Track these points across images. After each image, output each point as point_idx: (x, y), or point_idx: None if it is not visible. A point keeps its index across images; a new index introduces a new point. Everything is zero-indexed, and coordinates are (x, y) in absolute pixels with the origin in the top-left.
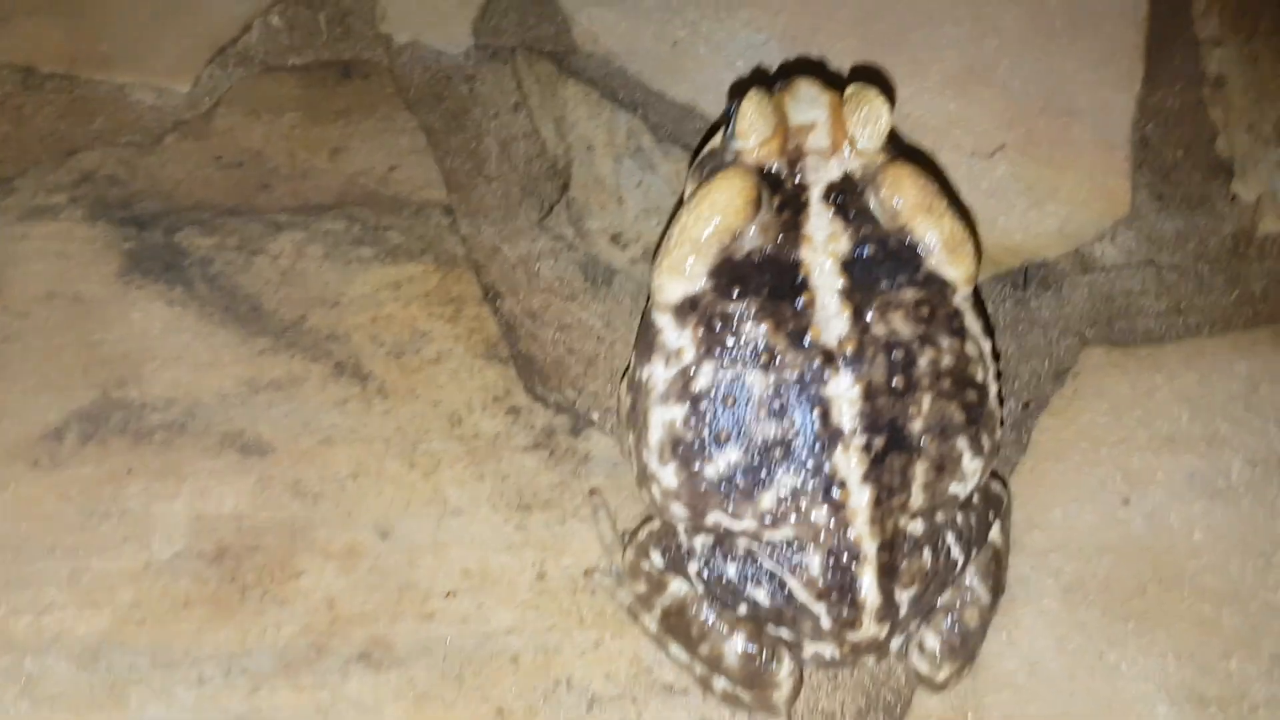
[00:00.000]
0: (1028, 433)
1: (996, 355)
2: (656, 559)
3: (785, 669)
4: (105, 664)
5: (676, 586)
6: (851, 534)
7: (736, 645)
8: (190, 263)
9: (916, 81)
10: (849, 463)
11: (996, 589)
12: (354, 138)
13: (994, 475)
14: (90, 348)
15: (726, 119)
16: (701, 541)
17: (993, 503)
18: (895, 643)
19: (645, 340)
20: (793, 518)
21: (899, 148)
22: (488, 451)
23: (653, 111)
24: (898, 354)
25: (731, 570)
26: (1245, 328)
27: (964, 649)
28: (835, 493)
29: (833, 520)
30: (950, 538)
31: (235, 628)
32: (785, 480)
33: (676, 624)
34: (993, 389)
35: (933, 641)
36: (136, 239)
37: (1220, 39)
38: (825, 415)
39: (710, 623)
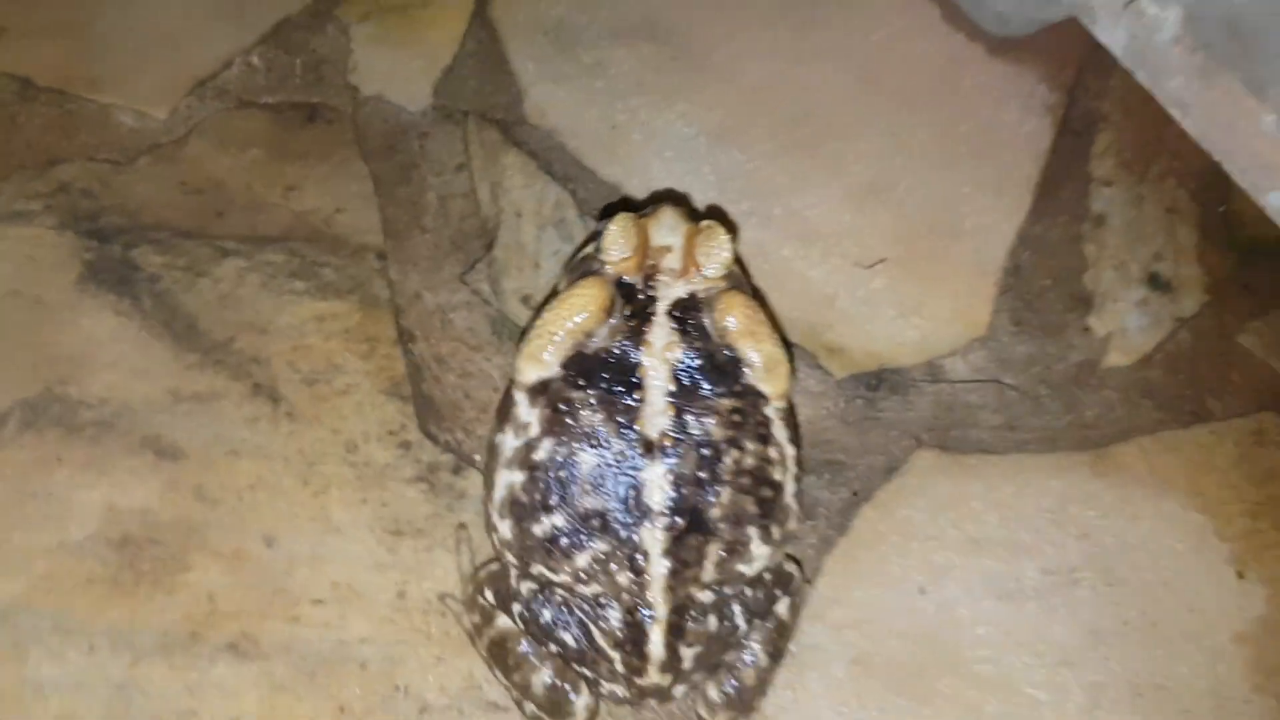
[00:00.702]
0: (850, 519)
1: (800, 456)
2: (490, 596)
3: (582, 701)
4: (13, 624)
5: (503, 621)
6: (648, 596)
7: (544, 677)
8: (141, 278)
9: (821, 190)
10: (653, 537)
11: (776, 655)
12: (309, 178)
13: (789, 557)
14: (42, 346)
15: (597, 234)
16: (527, 587)
17: (782, 580)
18: (679, 690)
19: (502, 411)
20: (601, 577)
21: (739, 280)
22: (375, 479)
23: (582, 187)
24: (707, 451)
25: (547, 614)
26: (1069, 450)
27: (740, 702)
28: (639, 561)
29: (634, 584)
30: (736, 608)
31: (127, 607)
32: (599, 545)
33: (499, 653)
34: (789, 488)
35: (713, 693)
36: (97, 251)
37: (1111, 179)
38: (638, 495)
39: (526, 655)
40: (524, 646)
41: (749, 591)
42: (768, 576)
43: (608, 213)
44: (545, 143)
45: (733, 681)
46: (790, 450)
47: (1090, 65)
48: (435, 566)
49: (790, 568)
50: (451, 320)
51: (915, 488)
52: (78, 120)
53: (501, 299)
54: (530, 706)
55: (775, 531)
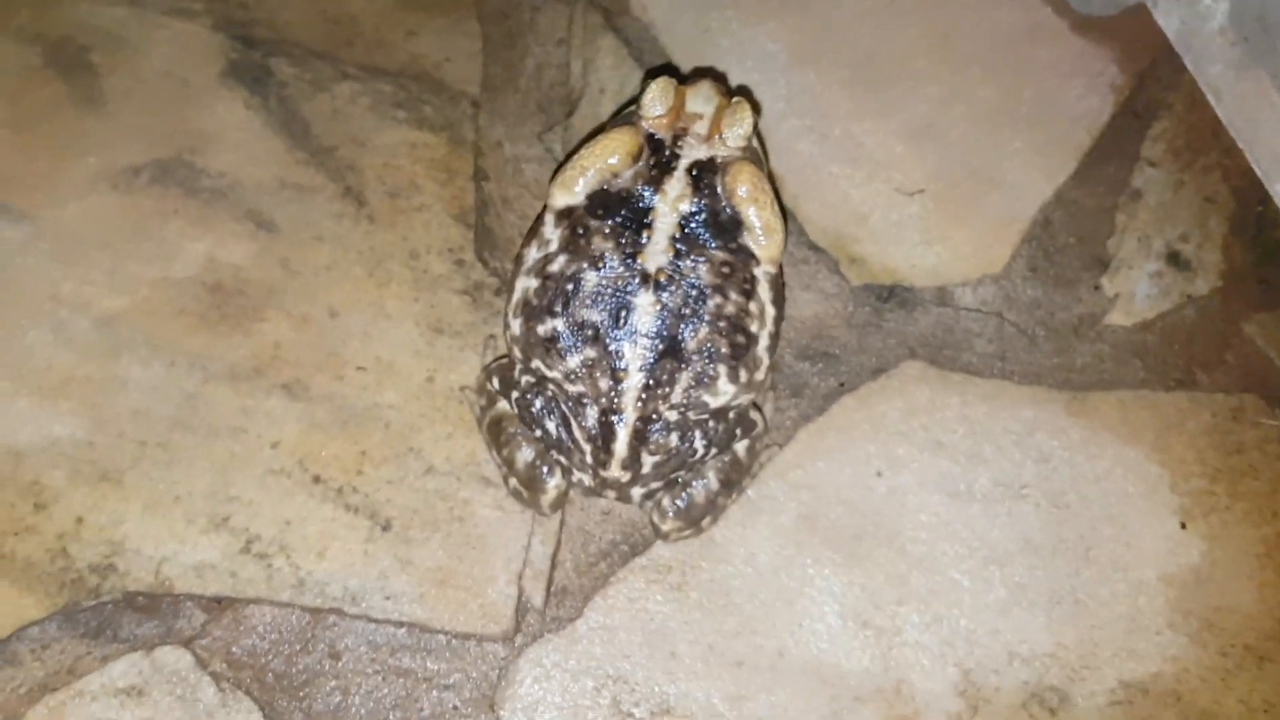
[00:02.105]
0: (830, 404)
1: (779, 319)
2: (496, 383)
3: (554, 481)
4: (113, 331)
5: (502, 405)
6: (622, 403)
7: (527, 455)
8: (273, 82)
9: (880, 121)
10: (634, 353)
11: (727, 484)
12: (428, 27)
13: (756, 408)
14: (181, 119)
15: (642, 89)
16: (525, 379)
17: (745, 424)
18: (637, 492)
19: (532, 229)
20: (586, 380)
21: (756, 154)
22: (429, 284)
23: None
24: (694, 292)
25: (538, 404)
26: (1050, 387)
27: (688, 516)
28: (619, 371)
29: (612, 390)
30: (697, 434)
31: (207, 338)
32: (588, 352)
33: (495, 430)
34: (763, 341)
35: (666, 503)
36: (241, 53)
37: (1158, 162)
38: (629, 316)
39: (515, 435)
40: (515, 429)
41: (712, 424)
42: (732, 416)
43: (653, 75)
44: (641, 34)
45: (685, 496)
46: (771, 310)
47: (1166, 57)
48: (462, 364)
49: (755, 416)
50: (523, 170)
51: (897, 389)
52: None
53: None
54: (513, 481)
55: (742, 375)
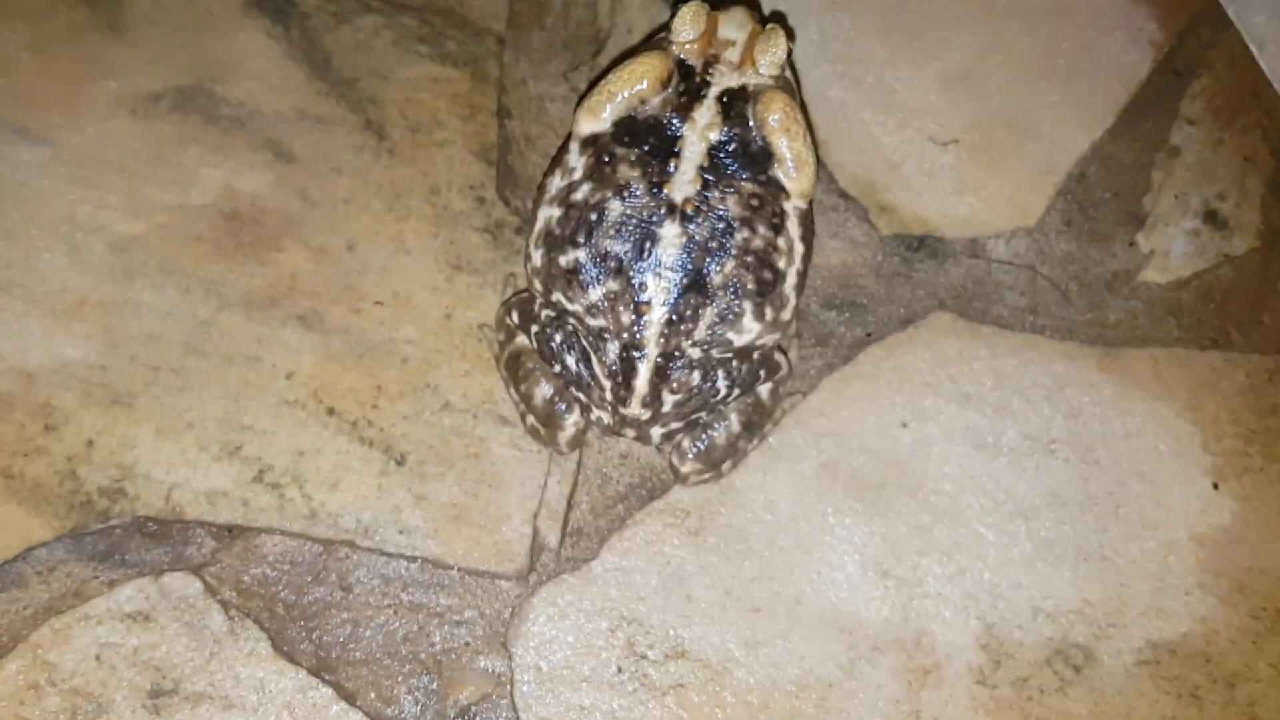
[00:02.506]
0: (856, 353)
1: (808, 257)
2: (515, 317)
3: (572, 419)
4: (129, 255)
5: (521, 339)
6: (644, 337)
7: (545, 391)
8: (296, 12)
9: (915, 68)
10: (658, 287)
11: (749, 427)
12: None
13: (781, 350)
14: (203, 47)
15: (673, 14)
16: (546, 313)
17: (769, 366)
18: (656, 432)
19: (556, 158)
20: (608, 314)
21: (789, 84)
22: (449, 220)
23: None
24: (721, 225)
25: (558, 338)
26: (1082, 343)
27: (708, 458)
28: (642, 305)
29: (634, 324)
30: (720, 373)
31: (223, 266)
32: (611, 284)
33: (513, 365)
34: (790, 279)
35: (686, 444)
36: None
37: (1197, 120)
38: (653, 248)
39: (534, 370)
40: (534, 364)
41: (735, 363)
42: (756, 357)
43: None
44: None
45: (705, 438)
46: (800, 247)
47: (1206, 17)
48: (481, 301)
49: (780, 359)
50: (547, 108)
51: (925, 340)
52: None
53: None
54: (531, 419)
55: (768, 312)
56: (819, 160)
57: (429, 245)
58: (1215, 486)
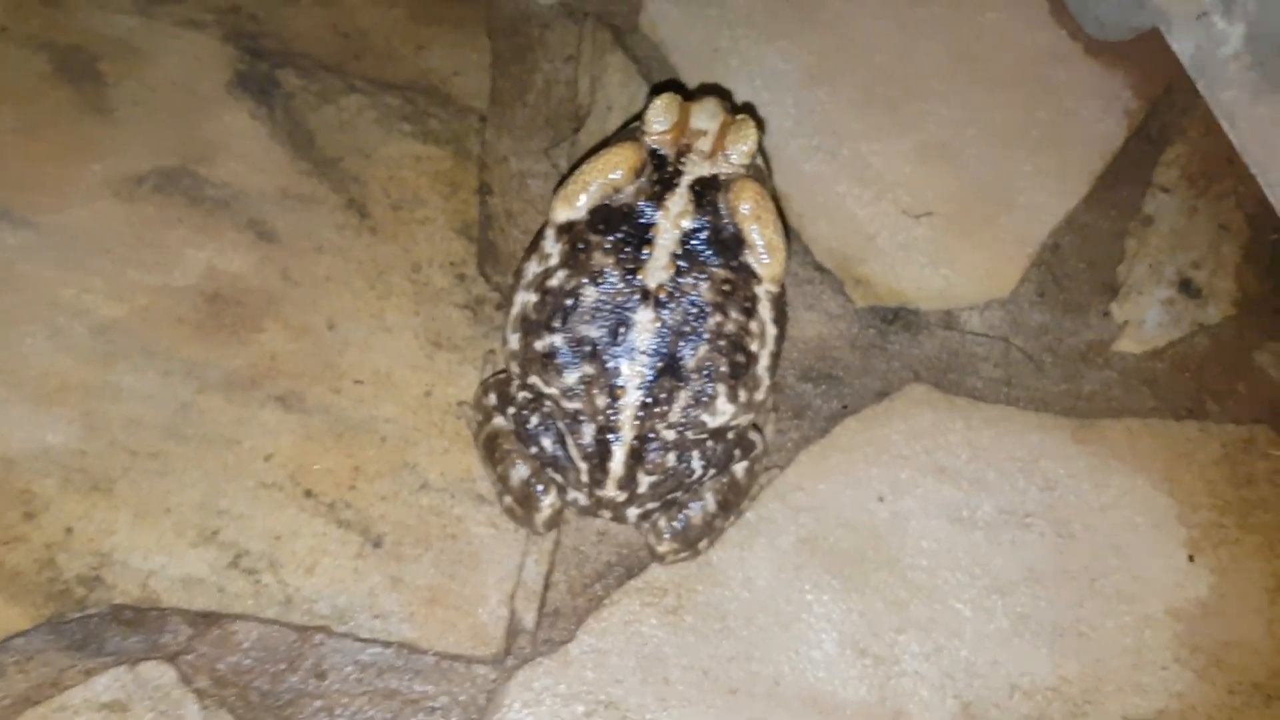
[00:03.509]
0: (833, 426)
1: (781, 339)
2: (492, 398)
3: (548, 500)
4: (111, 338)
5: (499, 421)
6: (619, 421)
7: (521, 472)
8: (280, 93)
9: (891, 141)
10: (633, 371)
11: (725, 506)
12: (438, 42)
13: (756, 428)
14: (188, 128)
15: (647, 105)
16: (522, 395)
17: (744, 445)
18: (633, 513)
19: (533, 243)
20: (583, 397)
21: (760, 171)
22: (430, 298)
23: None
24: (694, 309)
25: (535, 420)
26: (1057, 414)
27: (685, 538)
28: (617, 389)
29: (609, 407)
30: (695, 454)
31: (204, 347)
32: (586, 369)
33: (490, 446)
34: (763, 361)
35: (663, 524)
36: (249, 64)
37: (1171, 188)
38: (628, 333)
39: (510, 452)
40: (511, 445)
41: (710, 444)
42: (731, 437)
43: (658, 91)
44: (650, 52)
45: (681, 518)
46: (772, 329)
47: (1181, 82)
48: (461, 379)
49: (755, 437)
50: (528, 184)
51: (900, 413)
52: None
53: None
54: (508, 498)
55: (742, 394)
56: (795, 234)
57: (409, 322)
58: (1191, 559)
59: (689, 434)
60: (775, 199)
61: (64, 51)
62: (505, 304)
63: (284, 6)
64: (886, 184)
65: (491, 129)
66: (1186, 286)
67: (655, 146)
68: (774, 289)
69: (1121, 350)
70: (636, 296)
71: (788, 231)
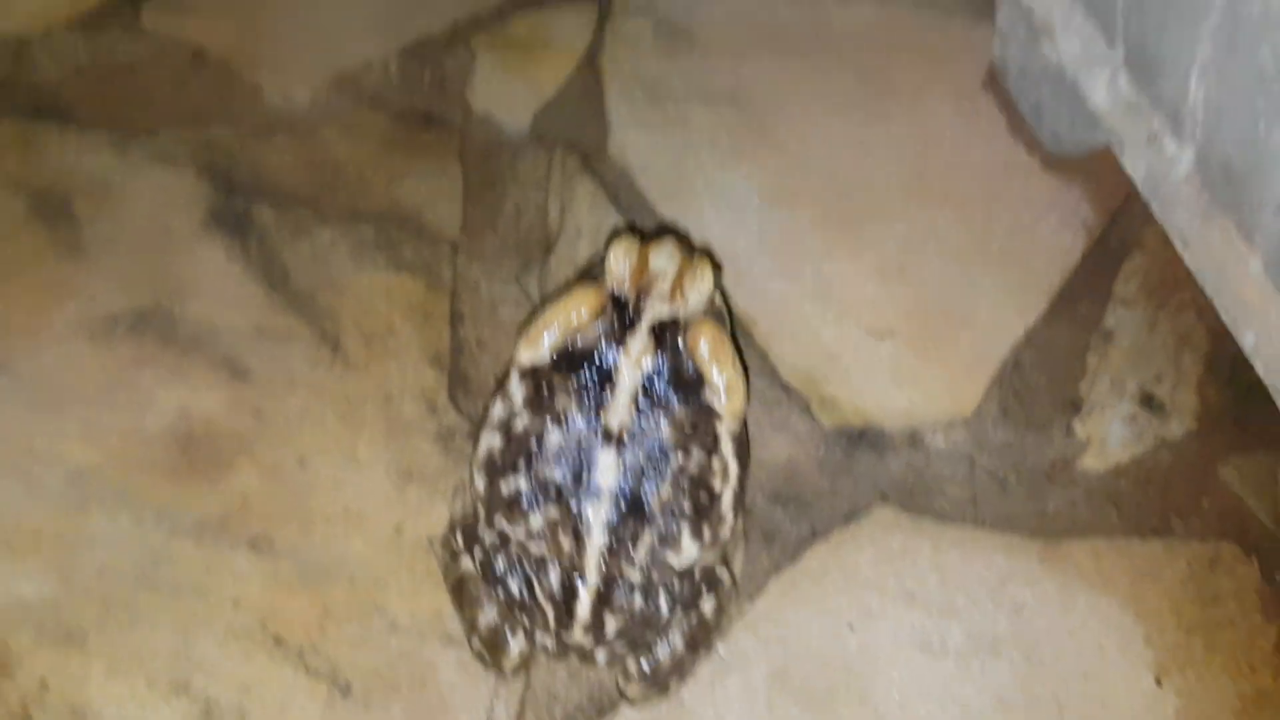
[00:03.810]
0: (802, 551)
1: (744, 476)
2: (459, 540)
3: (516, 644)
4: (84, 485)
5: (466, 563)
6: (584, 563)
7: (489, 616)
8: (254, 229)
9: (851, 260)
10: (597, 513)
11: (693, 646)
12: (411, 172)
13: (725, 564)
14: (162, 267)
15: (606, 248)
16: (489, 537)
17: (711, 582)
18: (601, 656)
19: (499, 384)
20: (548, 540)
21: (718, 311)
22: (401, 430)
23: (639, 220)
24: (656, 450)
25: (501, 563)
26: (1023, 534)
27: (654, 679)
28: (581, 531)
29: (574, 550)
30: (662, 594)
31: (176, 491)
32: (551, 511)
33: (458, 588)
34: (727, 499)
35: (631, 666)
36: (224, 200)
37: (1131, 300)
38: (591, 475)
39: (478, 596)
40: (478, 588)
41: (677, 583)
42: (697, 574)
43: (618, 235)
44: (618, 177)
45: (651, 660)
46: (734, 467)
47: (1138, 195)
48: (431, 512)
49: (722, 573)
50: (499, 311)
51: (868, 537)
52: (235, 91)
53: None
54: (476, 641)
55: (706, 533)
56: (761, 354)
57: (380, 456)
58: (1158, 683)
59: (655, 575)
60: (735, 338)
61: (39, 193)
62: (474, 437)
63: (258, 141)
64: (849, 303)
65: (463, 256)
66: (1149, 401)
67: (615, 289)
68: (735, 426)
69: (1085, 468)
70: (599, 438)
71: (746, 369)
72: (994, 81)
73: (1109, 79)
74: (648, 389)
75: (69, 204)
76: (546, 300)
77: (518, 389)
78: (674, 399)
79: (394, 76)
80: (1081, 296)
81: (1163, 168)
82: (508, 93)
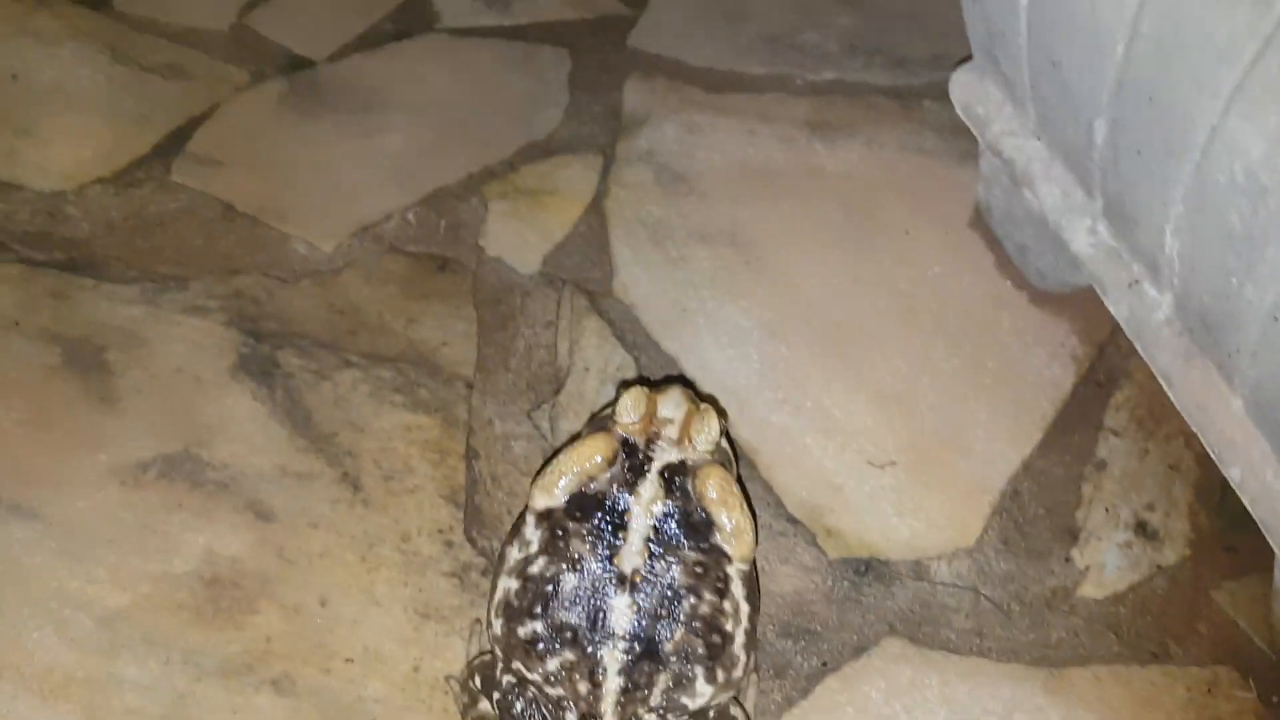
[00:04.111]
0: (814, 685)
1: (754, 615)
2: (478, 681)
3: None
4: (114, 629)
5: (484, 705)
6: (600, 707)
7: None
8: (280, 374)
9: (849, 392)
10: (612, 657)
11: None
12: (428, 314)
13: (737, 702)
14: (191, 414)
15: (616, 397)
16: (507, 680)
17: None
18: None
19: (514, 528)
20: (565, 683)
21: (725, 455)
22: (418, 567)
23: (645, 355)
24: (669, 593)
25: (519, 706)
26: (1027, 664)
27: None
28: (597, 674)
29: (590, 693)
30: None
31: (202, 634)
32: (567, 655)
33: None
34: (739, 639)
35: None
36: (252, 347)
37: (1121, 431)
38: (605, 619)
39: None
40: None
41: None
42: (712, 715)
43: (627, 384)
44: (623, 315)
45: None
46: (745, 607)
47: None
48: (448, 650)
49: (736, 711)
50: (512, 446)
51: (879, 669)
52: (262, 242)
53: (556, 437)
54: None
55: (720, 674)
56: (766, 486)
57: (399, 594)
58: None
59: (670, 716)
60: (741, 483)
61: (72, 343)
62: (494, 563)
63: (284, 289)
64: (849, 434)
65: (478, 395)
66: (1143, 529)
67: (626, 435)
68: (744, 567)
69: (1085, 595)
70: (613, 582)
71: (754, 510)
72: (979, 220)
73: (1089, 227)
74: (659, 533)
75: (102, 354)
76: (559, 447)
77: (533, 533)
78: (685, 542)
79: (412, 225)
80: (1074, 427)
81: (1144, 311)
82: (518, 237)
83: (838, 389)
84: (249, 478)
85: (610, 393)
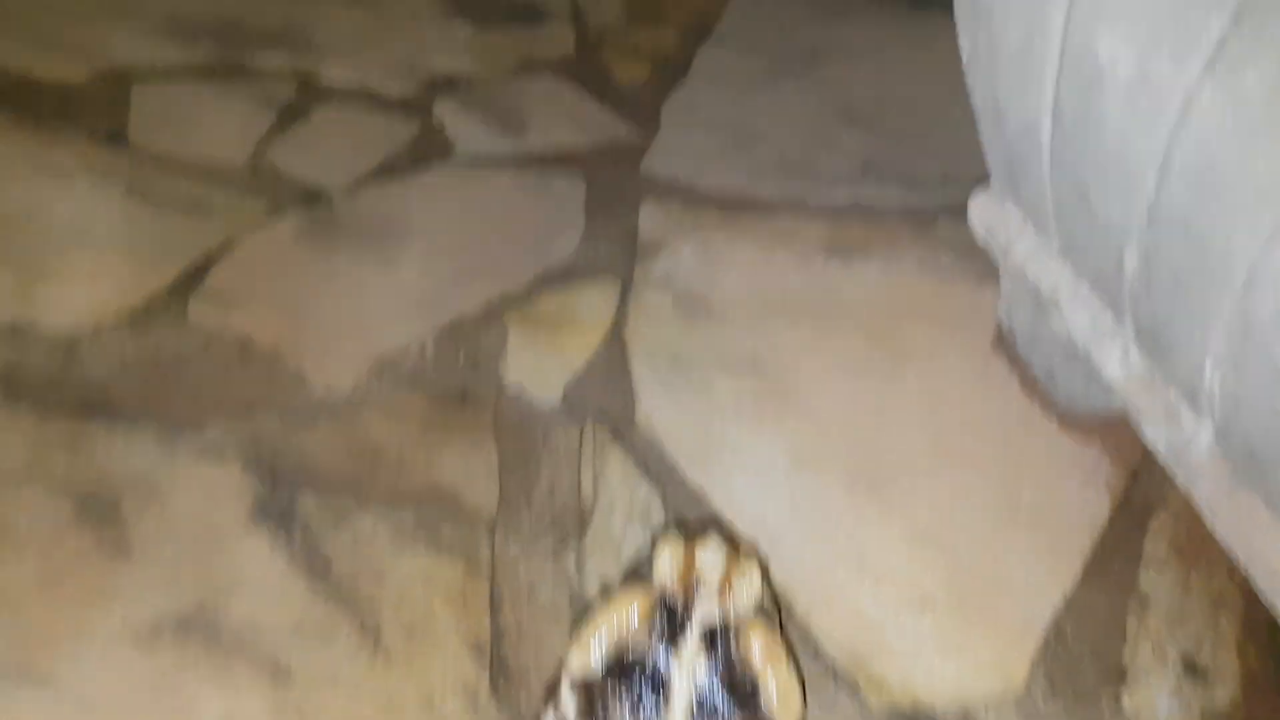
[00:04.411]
0: None
1: None
2: None
3: None
4: None
5: None
6: None
7: None
8: (298, 521)
9: (883, 527)
10: None
11: None
12: (448, 451)
13: None
14: (206, 565)
15: (652, 550)
16: None
17: None
18: None
19: (549, 690)
20: None
21: (767, 611)
22: None
23: (670, 489)
24: None
25: None
26: None
27: None
28: None
29: None
30: None
31: None
32: None
33: None
34: None
35: None
36: (269, 494)
37: (1162, 560)
38: None
39: None
40: None
41: None
42: None
43: (664, 535)
44: (647, 446)
45: None
46: None
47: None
48: None
49: None
50: (537, 593)
51: None
52: (280, 381)
53: (583, 580)
54: None
55: None
56: (804, 631)
57: None
58: None
59: None
60: (783, 629)
61: (86, 494)
62: None
63: (302, 429)
64: (885, 571)
65: (500, 535)
66: (1192, 669)
67: (664, 591)
68: None
69: None
70: None
71: (799, 664)
72: (1002, 341)
73: (1121, 353)
74: (702, 698)
75: (115, 504)
76: (592, 601)
77: (569, 701)
78: (729, 709)
79: (430, 357)
80: (1113, 557)
81: (1182, 440)
82: (538, 367)
83: (870, 523)
84: (266, 633)
85: (636, 531)
